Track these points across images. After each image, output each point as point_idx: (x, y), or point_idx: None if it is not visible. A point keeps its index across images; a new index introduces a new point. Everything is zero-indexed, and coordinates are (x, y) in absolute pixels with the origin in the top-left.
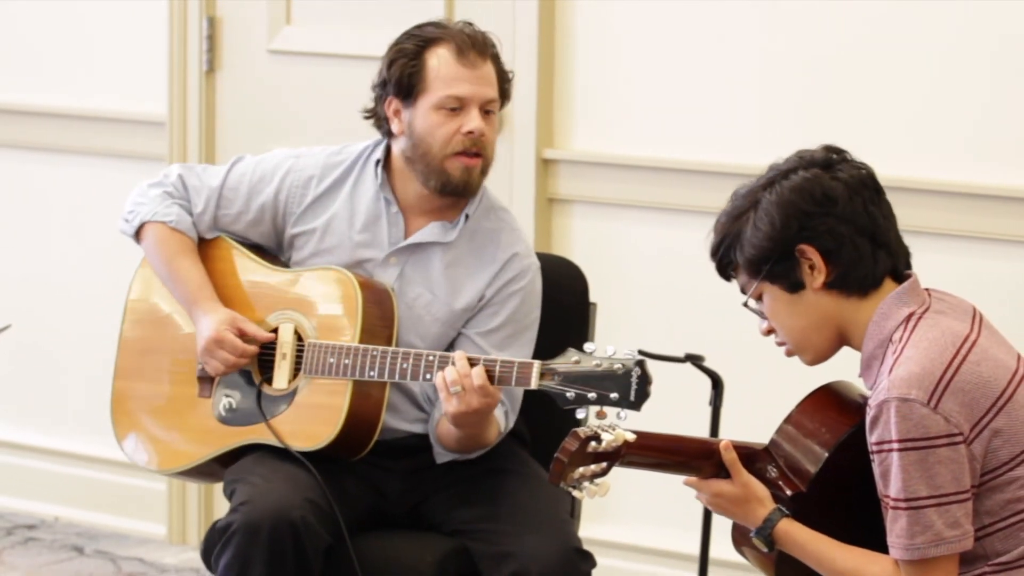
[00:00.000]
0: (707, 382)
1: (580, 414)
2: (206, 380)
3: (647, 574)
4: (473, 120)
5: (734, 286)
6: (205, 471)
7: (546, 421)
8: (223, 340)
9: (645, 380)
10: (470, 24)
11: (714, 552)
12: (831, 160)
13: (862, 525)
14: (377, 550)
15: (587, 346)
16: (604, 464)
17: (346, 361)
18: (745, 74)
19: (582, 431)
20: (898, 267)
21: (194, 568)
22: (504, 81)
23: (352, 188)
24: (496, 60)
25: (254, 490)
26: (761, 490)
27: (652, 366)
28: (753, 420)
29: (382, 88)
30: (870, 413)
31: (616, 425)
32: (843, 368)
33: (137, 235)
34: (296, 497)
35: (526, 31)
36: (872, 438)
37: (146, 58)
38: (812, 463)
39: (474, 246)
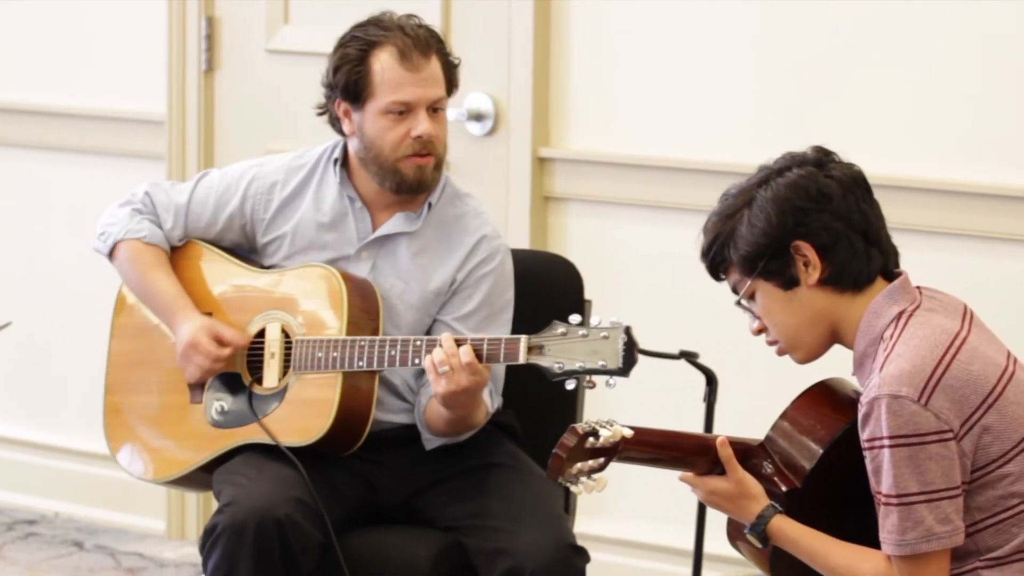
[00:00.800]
0: (701, 379)
1: (570, 385)
2: (196, 386)
3: (642, 569)
4: (421, 124)
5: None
6: (201, 481)
7: (537, 414)
8: (198, 344)
9: (632, 346)
10: (413, 16)
11: (708, 547)
12: (822, 160)
13: (856, 521)
14: (371, 546)
15: (572, 317)
16: (602, 460)
17: (334, 354)
18: (739, 73)
19: (580, 427)
20: (889, 266)
21: (193, 563)
22: (451, 72)
23: (316, 190)
24: (441, 53)
25: (239, 491)
26: (755, 486)
27: (647, 363)
28: (747, 416)
29: (331, 90)
30: (862, 410)
31: (614, 421)
32: (837, 365)
33: (111, 254)
34: (282, 495)
35: (522, 30)
36: (864, 435)
37: (145, 57)
38: (807, 459)
39: (441, 233)
